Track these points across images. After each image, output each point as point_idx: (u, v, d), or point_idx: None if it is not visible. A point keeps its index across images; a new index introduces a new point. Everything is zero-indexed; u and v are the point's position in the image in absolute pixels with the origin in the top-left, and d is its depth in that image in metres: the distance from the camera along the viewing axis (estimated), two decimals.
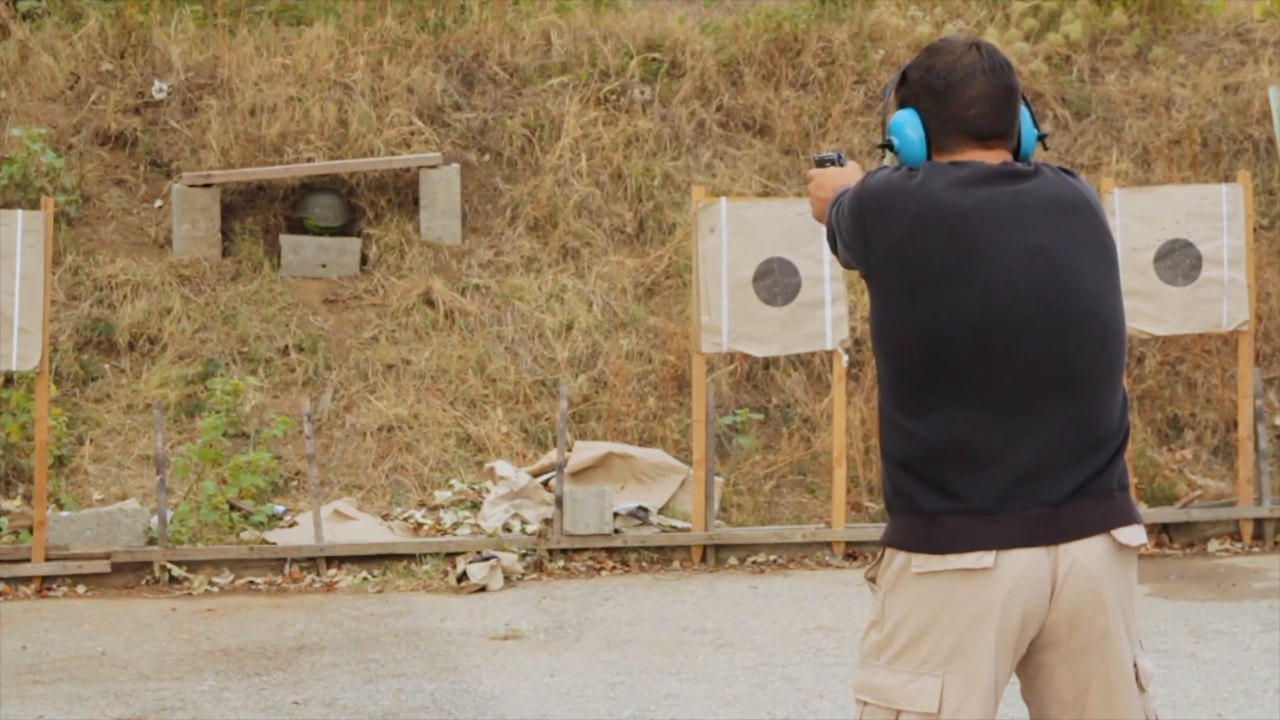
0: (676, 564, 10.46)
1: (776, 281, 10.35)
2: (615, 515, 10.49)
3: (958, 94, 3.90)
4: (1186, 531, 10.58)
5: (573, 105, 13.26)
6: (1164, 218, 10.42)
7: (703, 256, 10.36)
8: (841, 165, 4.26)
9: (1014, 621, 3.73)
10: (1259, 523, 10.49)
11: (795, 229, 10.36)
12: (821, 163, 4.30)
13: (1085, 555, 3.74)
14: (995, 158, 3.91)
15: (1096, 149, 13.30)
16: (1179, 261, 10.39)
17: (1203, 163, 13.08)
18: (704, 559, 10.47)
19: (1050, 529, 3.73)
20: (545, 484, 11.03)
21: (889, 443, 3.86)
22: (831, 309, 10.34)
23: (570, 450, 10.93)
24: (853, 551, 10.53)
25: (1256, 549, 10.44)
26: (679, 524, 10.67)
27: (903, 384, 3.83)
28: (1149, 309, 10.38)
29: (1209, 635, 8.54)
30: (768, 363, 12.03)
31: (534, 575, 10.25)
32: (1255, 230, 11.68)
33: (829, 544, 10.52)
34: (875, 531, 10.54)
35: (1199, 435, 11.83)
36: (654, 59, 13.59)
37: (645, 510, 10.65)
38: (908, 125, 3.95)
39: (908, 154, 3.96)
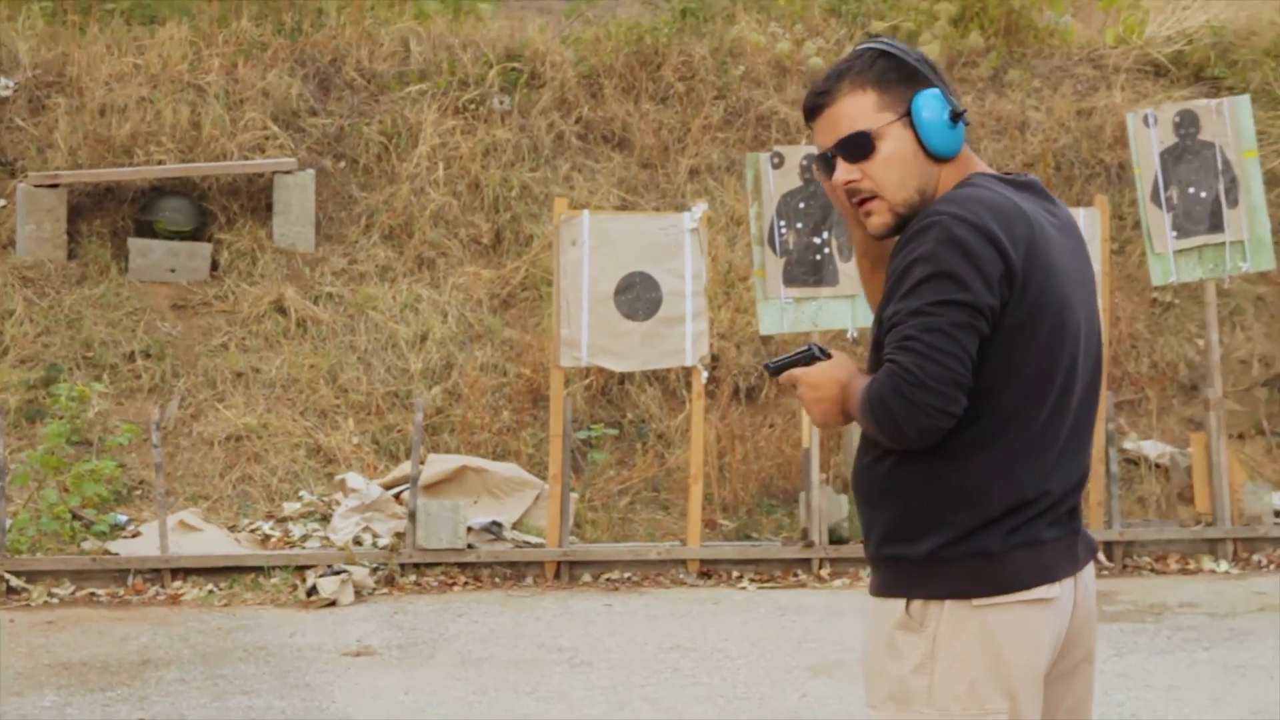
0: (530, 580, 10.33)
1: (638, 296, 10.26)
2: (469, 530, 10.34)
3: (946, 80, 3.75)
4: None
5: (431, 113, 13.10)
6: None
7: (564, 269, 10.25)
8: (826, 357, 3.71)
9: (1053, 650, 3.68)
10: (1109, 545, 10.54)
11: (657, 244, 10.28)
12: (794, 363, 3.73)
13: (1087, 578, 3.73)
14: (978, 159, 3.78)
15: None
16: None
17: (1055, 186, 13.16)
18: (558, 575, 10.35)
19: (1076, 556, 3.69)
20: (397, 497, 10.85)
21: (948, 494, 3.59)
22: (692, 325, 10.27)
23: (423, 463, 10.77)
24: (707, 570, 10.46)
25: (1105, 572, 10.48)
26: (533, 539, 10.54)
27: (998, 430, 3.58)
28: None
29: None
30: (623, 378, 11.94)
31: (385, 590, 10.07)
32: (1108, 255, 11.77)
33: (684, 562, 10.43)
34: (730, 550, 10.49)
35: None
36: (513, 69, 13.46)
37: (499, 525, 10.52)
38: (945, 106, 3.66)
39: (959, 141, 3.66)
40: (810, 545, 10.40)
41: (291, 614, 9.59)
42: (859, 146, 3.65)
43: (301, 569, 10.09)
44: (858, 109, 3.65)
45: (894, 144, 3.64)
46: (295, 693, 8.03)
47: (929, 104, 3.64)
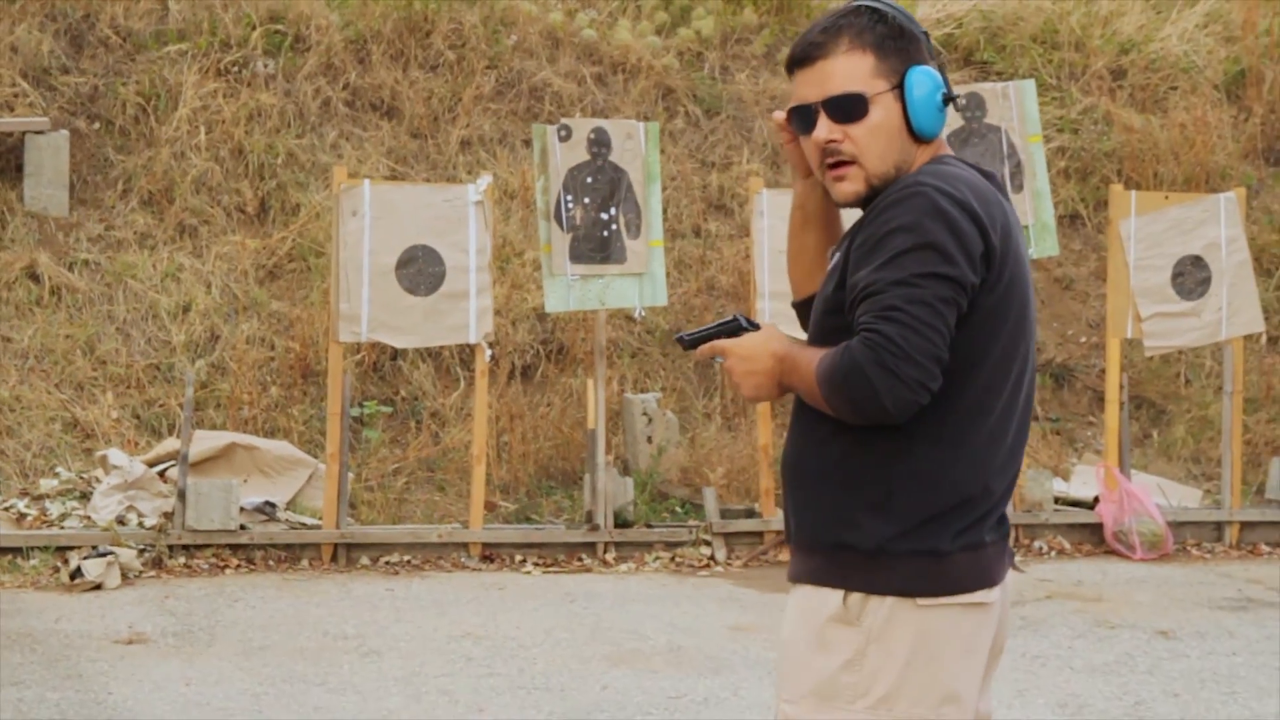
0: (306, 563, 9.93)
1: (420, 270, 9.92)
2: (240, 510, 9.90)
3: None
4: None
5: (191, 75, 12.57)
6: None
7: (343, 240, 9.86)
8: (754, 328, 3.52)
9: (987, 653, 3.56)
10: None
11: (442, 215, 9.95)
12: (714, 335, 3.54)
13: (1008, 583, 3.60)
14: None
15: (728, 148, 13.21)
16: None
17: None
18: (335, 558, 9.97)
19: (1005, 561, 3.56)
20: (162, 474, 10.37)
21: (903, 481, 3.41)
22: (476, 301, 9.96)
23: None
24: (489, 553, 10.16)
25: None
26: (308, 521, 10.15)
27: (958, 418, 3.42)
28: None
29: None
30: (395, 353, 11.58)
31: (153, 573, 9.60)
32: None
33: (465, 545, 10.12)
34: (514, 533, 10.22)
35: None
36: (278, 31, 12.98)
37: (273, 505, 10.10)
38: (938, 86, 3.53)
39: (940, 124, 3.52)
40: (595, 529, 10.17)
41: (55, 598, 9.09)
42: (851, 108, 3.48)
43: (63, 550, 9.57)
44: (853, 69, 3.49)
45: (883, 114, 3.50)
46: (68, 684, 7.58)
47: (923, 81, 3.50)
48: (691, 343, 3.63)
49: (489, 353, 10.15)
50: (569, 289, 10.06)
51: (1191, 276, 10.73)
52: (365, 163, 12.42)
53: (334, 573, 9.83)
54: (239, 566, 9.80)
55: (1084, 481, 11.12)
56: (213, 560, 9.79)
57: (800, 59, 3.54)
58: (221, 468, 10.37)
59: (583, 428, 11.37)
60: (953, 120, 10.49)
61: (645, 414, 11.12)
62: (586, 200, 10.06)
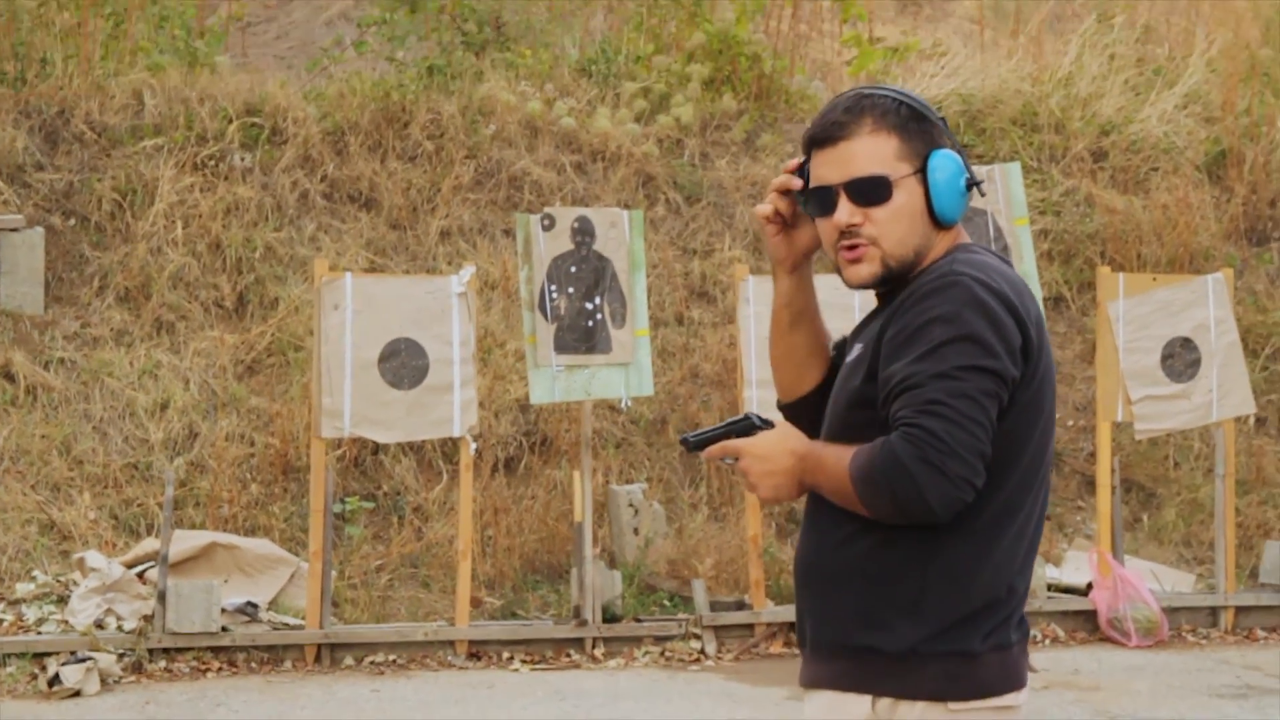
0: (289, 664, 9.74)
1: (403, 363, 9.78)
2: (222, 611, 9.71)
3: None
4: None
5: (167, 170, 12.45)
6: None
7: (325, 335, 9.71)
8: (768, 426, 3.41)
9: None
10: None
11: (424, 308, 9.82)
12: (724, 435, 3.42)
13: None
14: None
15: (709, 234, 13.12)
16: None
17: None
18: (319, 659, 9.78)
19: (1027, 662, 3.46)
20: (140, 575, 10.18)
21: (935, 580, 3.29)
22: (460, 393, 9.82)
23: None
24: (476, 651, 9.97)
25: None
26: (291, 621, 9.95)
27: (992, 516, 3.30)
28: None
29: None
30: (377, 448, 11.43)
31: (133, 678, 9.40)
32: None
33: (451, 643, 9.94)
34: (499, 630, 10.03)
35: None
36: (254, 124, 12.88)
37: (254, 606, 9.91)
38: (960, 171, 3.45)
39: (961, 209, 3.44)
40: (583, 624, 9.99)
41: (32, 706, 8.88)
42: (874, 191, 3.39)
43: (40, 656, 9.37)
44: (877, 151, 3.39)
45: (906, 197, 3.40)
46: None
47: (945, 164, 3.41)
48: (698, 444, 3.50)
49: (474, 446, 9.99)
50: (554, 380, 9.92)
51: (1181, 358, 10.64)
52: (344, 255, 12.30)
53: (318, 674, 9.63)
54: (220, 669, 9.60)
55: (1076, 567, 10.98)
56: (194, 663, 9.59)
57: (821, 139, 3.44)
58: (202, 568, 10.19)
59: (568, 520, 11.21)
60: None
61: (631, 505, 10.97)
62: (571, 290, 9.94)
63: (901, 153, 3.39)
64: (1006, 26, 16.11)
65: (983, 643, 3.28)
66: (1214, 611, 10.84)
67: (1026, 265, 10.46)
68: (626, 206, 12.47)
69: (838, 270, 3.50)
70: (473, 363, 9.91)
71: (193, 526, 10.75)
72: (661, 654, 10.06)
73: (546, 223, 9.96)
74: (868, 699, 3.32)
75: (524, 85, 13.74)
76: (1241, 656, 10.27)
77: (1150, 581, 10.76)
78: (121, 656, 9.45)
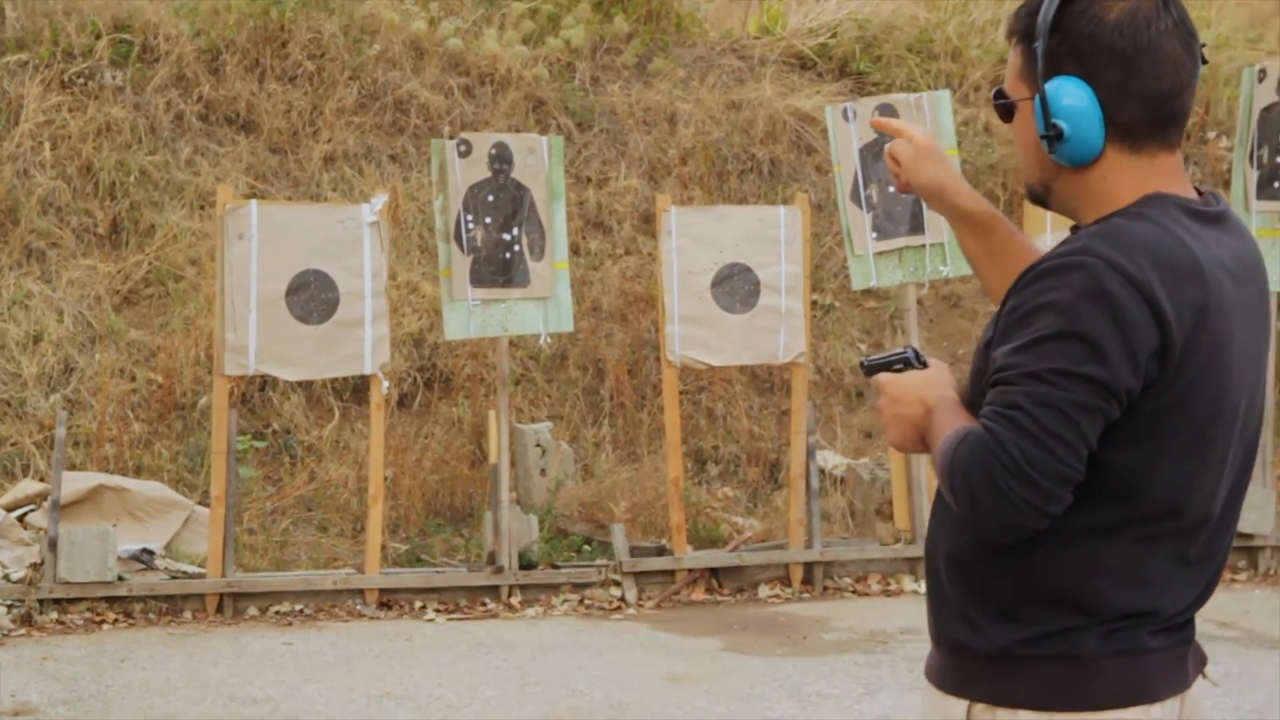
0: (189, 615, 9.15)
1: (312, 296, 9.19)
2: (116, 559, 9.10)
3: (1152, 63, 2.83)
4: (736, 576, 9.95)
5: (33, 87, 11.70)
6: (721, 240, 9.78)
7: (229, 266, 9.09)
8: (922, 365, 2.99)
9: None
10: (809, 566, 9.96)
11: (335, 238, 9.24)
12: (888, 365, 3.03)
13: (1196, 697, 2.97)
14: (1181, 174, 2.95)
15: (603, 162, 12.62)
16: (737, 288, 9.76)
17: (706, 180, 12.56)
18: (220, 609, 9.20)
19: (1186, 670, 2.93)
20: (20, 519, 9.54)
21: (1039, 593, 2.84)
22: (372, 329, 9.26)
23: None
24: (386, 599, 9.45)
25: (806, 594, 9.89)
26: (189, 569, 9.36)
27: (1127, 546, 2.83)
28: (706, 337, 9.73)
29: (811, 699, 7.89)
30: (264, 383, 10.83)
31: (23, 630, 8.77)
32: None
33: (360, 592, 9.40)
34: (412, 578, 9.50)
35: (723, 471, 11.27)
36: (124, 41, 12.15)
37: (150, 553, 9.31)
38: (1086, 106, 2.82)
39: (1080, 153, 2.86)
40: (500, 571, 9.51)
41: None
42: (1001, 110, 2.98)
43: None
44: (1012, 67, 2.95)
45: (1023, 124, 2.94)
46: None
47: (1058, 95, 2.84)
48: (869, 369, 3.09)
49: (385, 384, 9.43)
50: (470, 315, 9.40)
51: None
52: (224, 180, 11.62)
53: (221, 625, 9.05)
54: (117, 621, 9.00)
55: None
56: (87, 615, 8.98)
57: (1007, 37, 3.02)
58: (88, 512, 9.56)
59: (470, 460, 10.74)
60: (865, 133, 10.01)
61: (539, 445, 10.49)
62: (488, 220, 9.41)
63: (1023, 72, 2.89)
64: None
65: (1099, 647, 2.83)
66: None
67: None
68: (517, 130, 11.95)
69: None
70: (385, 296, 9.35)
71: (73, 467, 10.10)
72: (580, 602, 9.61)
73: (463, 149, 9.41)
74: (963, 705, 2.89)
75: (408, 3, 13.11)
76: None
77: None
78: (10, 608, 8.81)
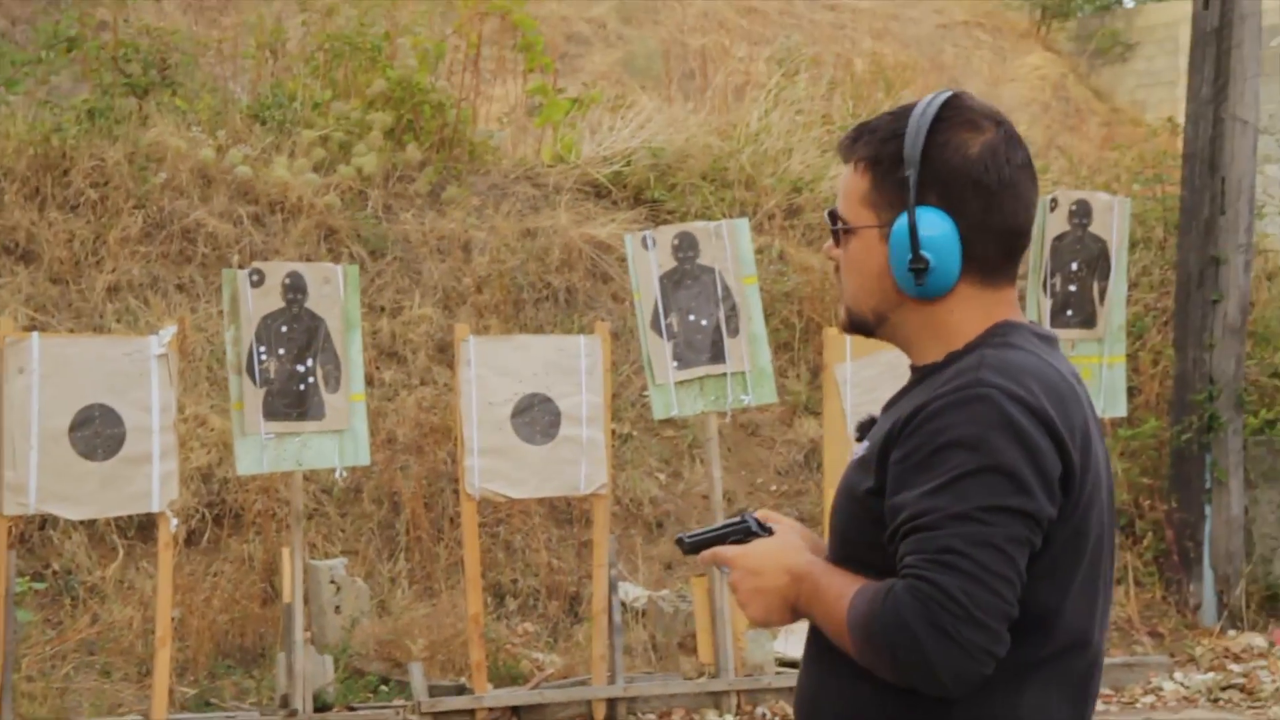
0: None
1: (97, 432, 8.85)
2: None
3: (1012, 198, 2.81)
4: (538, 714, 9.72)
5: None
6: (521, 370, 9.61)
7: (9, 402, 8.73)
8: (767, 533, 2.87)
9: None
10: (611, 703, 9.75)
11: (121, 371, 8.91)
12: (722, 538, 2.89)
13: None
14: (1017, 302, 2.93)
15: (397, 291, 12.41)
16: (537, 418, 9.59)
17: (502, 309, 12.40)
18: None
19: None
20: None
21: None
22: (160, 465, 8.94)
23: None
24: None
25: None
26: None
27: (1043, 673, 2.73)
28: (506, 469, 9.53)
29: None
30: (44, 522, 10.42)
31: None
32: None
33: None
34: None
35: (522, 605, 11.04)
36: None
37: None
38: (948, 238, 2.77)
39: (937, 285, 2.80)
40: (294, 714, 9.17)
41: None
42: (834, 231, 2.91)
43: None
44: (852, 188, 2.90)
45: (862, 251, 2.88)
46: None
47: (902, 233, 2.80)
48: (694, 546, 2.94)
49: (174, 522, 9.10)
50: (262, 449, 9.11)
51: None
52: (2, 311, 11.23)
53: None
54: None
55: (799, 640, 10.55)
56: None
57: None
58: None
59: (262, 598, 10.41)
60: (665, 260, 9.94)
61: (333, 582, 10.18)
62: (281, 351, 9.15)
63: (869, 199, 2.83)
64: (693, 82, 15.81)
65: None
66: None
67: (755, 325, 10.05)
68: (308, 259, 11.72)
69: None
70: (174, 431, 9.03)
71: None
72: None
73: (255, 278, 9.16)
74: None
75: (195, 131, 12.84)
76: None
77: None
78: None
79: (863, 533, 2.76)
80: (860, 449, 2.86)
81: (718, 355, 9.94)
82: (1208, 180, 11.96)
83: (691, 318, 9.92)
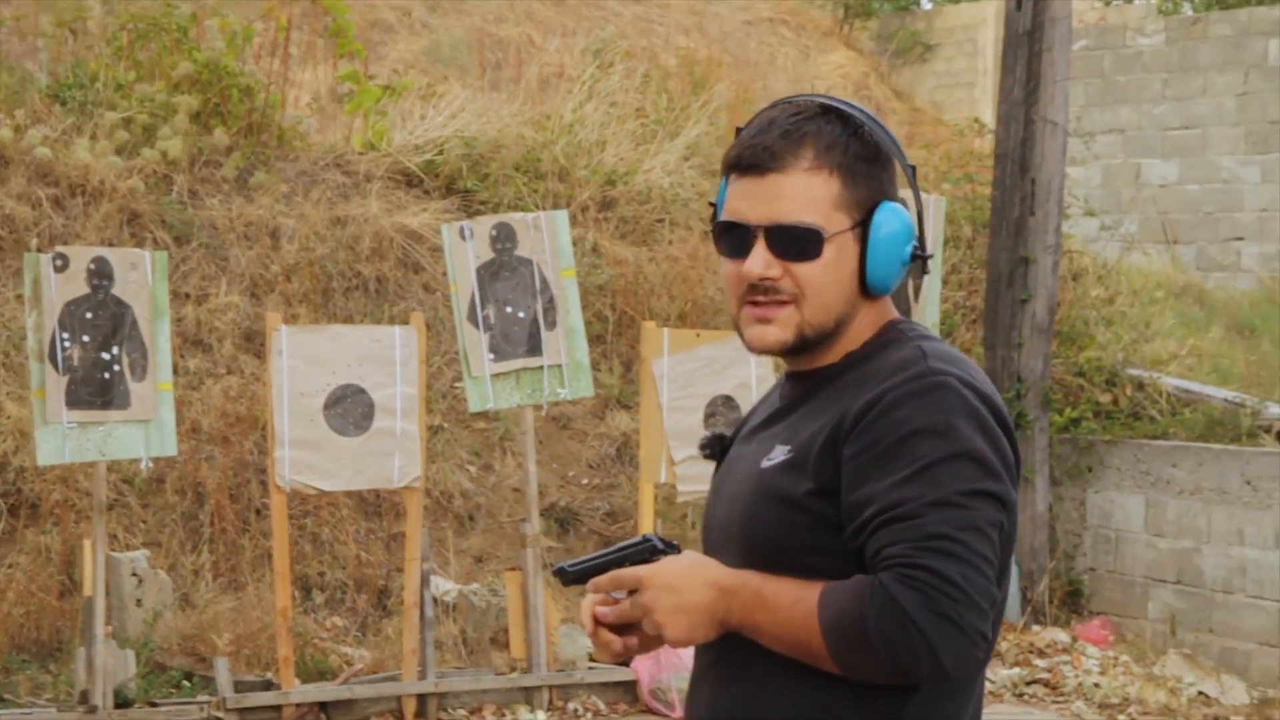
0: None
1: None
2: None
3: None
4: (346, 710, 9.53)
5: None
6: (334, 360, 9.41)
7: None
8: (674, 550, 2.75)
9: None
10: (422, 698, 9.60)
11: None
12: (619, 561, 2.75)
13: None
14: None
15: (202, 278, 12.13)
16: (350, 410, 9.40)
17: (311, 298, 12.17)
18: None
19: None
20: None
21: None
22: None
23: None
24: None
25: None
26: None
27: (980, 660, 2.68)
28: (317, 461, 9.33)
29: None
30: None
31: None
32: None
33: None
34: None
35: (330, 599, 10.83)
36: None
37: None
38: (911, 231, 2.81)
39: (889, 282, 2.79)
40: (93, 710, 8.91)
41: None
42: (801, 245, 2.71)
43: None
44: (813, 195, 2.71)
45: (838, 255, 2.74)
46: None
47: (892, 223, 2.74)
48: (581, 575, 2.79)
49: None
50: (65, 438, 8.83)
51: (723, 417, 10.28)
52: None
53: None
54: None
55: None
56: None
57: (749, 165, 2.74)
58: None
59: (58, 590, 10.11)
60: (482, 251, 9.81)
61: (135, 574, 9.91)
62: (86, 338, 8.88)
63: (841, 200, 2.73)
64: (503, 73, 15.66)
65: None
66: None
67: (574, 319, 9.96)
68: (111, 244, 11.42)
69: (736, 327, 2.84)
70: None
71: None
72: None
73: (59, 263, 8.88)
74: None
75: None
76: None
77: None
78: None
79: (804, 537, 2.67)
80: (777, 457, 2.75)
81: (535, 348, 9.83)
82: (1018, 181, 12.07)
83: (509, 310, 9.80)
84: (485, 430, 12.13)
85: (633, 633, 2.79)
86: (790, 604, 2.59)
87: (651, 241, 13.37)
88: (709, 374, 10.23)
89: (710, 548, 2.86)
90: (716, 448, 3.00)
